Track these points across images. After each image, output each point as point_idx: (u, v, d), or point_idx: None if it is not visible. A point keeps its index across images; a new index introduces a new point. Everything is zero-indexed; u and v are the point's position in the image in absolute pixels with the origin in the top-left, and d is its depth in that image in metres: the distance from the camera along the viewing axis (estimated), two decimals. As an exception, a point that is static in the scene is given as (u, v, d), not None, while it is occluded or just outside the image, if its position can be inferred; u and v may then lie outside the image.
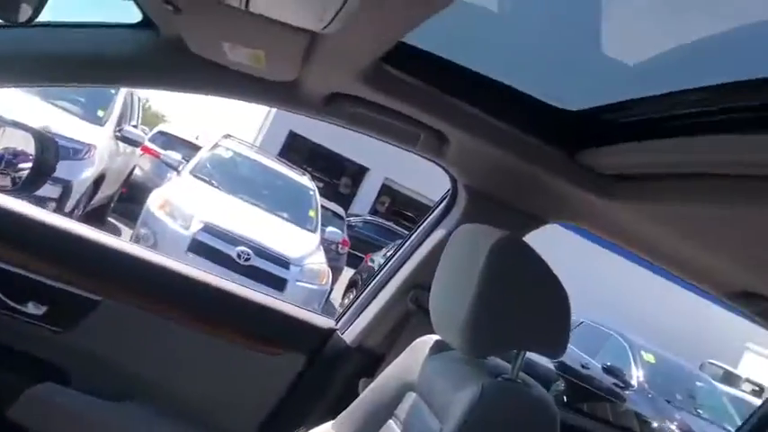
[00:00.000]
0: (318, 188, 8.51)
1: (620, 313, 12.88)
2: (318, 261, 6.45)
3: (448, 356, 1.23)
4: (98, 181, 6.34)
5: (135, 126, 7.97)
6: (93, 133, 6.13)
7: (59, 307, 1.42)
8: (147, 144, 9.23)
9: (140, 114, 8.92)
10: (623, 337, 8.32)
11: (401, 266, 1.58)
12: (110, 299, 1.45)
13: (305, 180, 8.20)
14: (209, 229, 5.88)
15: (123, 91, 7.09)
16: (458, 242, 1.19)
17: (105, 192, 7.00)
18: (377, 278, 1.64)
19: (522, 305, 1.10)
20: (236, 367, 1.52)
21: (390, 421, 1.25)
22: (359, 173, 18.83)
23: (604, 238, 1.47)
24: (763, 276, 1.19)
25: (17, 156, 1.75)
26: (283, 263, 5.98)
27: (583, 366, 7.90)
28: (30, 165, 1.68)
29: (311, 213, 7.49)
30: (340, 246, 8.75)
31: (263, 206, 7.03)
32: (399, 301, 1.54)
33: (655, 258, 1.44)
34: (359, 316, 1.60)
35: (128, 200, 8.36)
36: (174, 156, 7.91)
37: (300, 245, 6.43)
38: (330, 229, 8.10)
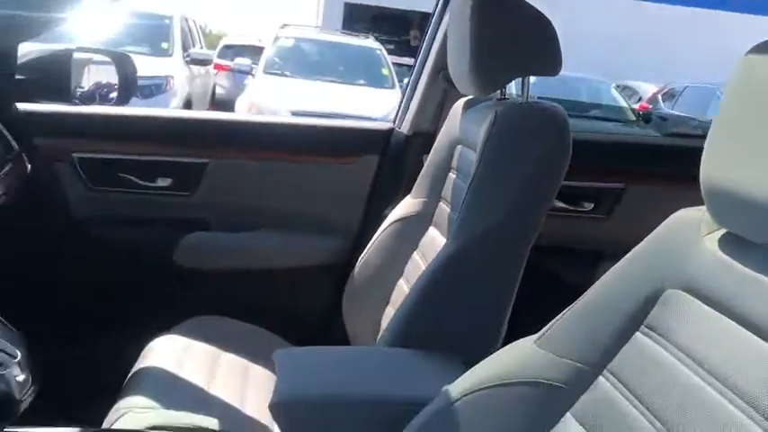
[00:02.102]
0: (390, 48, 8.63)
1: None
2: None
3: (476, 107, 1.49)
4: (187, 106, 6.84)
5: (201, 48, 8.38)
6: (166, 65, 6.58)
7: (181, 174, 1.81)
8: (217, 60, 9.62)
9: (202, 38, 9.30)
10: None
11: (428, 54, 1.83)
12: (214, 159, 1.81)
13: (369, 42, 8.35)
14: (296, 115, 6.27)
15: (177, 20, 7.44)
16: (457, 7, 1.41)
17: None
18: (413, 73, 1.92)
19: (515, 39, 1.33)
20: (325, 182, 1.88)
21: (450, 173, 1.55)
22: (423, 20, 18.52)
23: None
24: None
25: (105, 87, 2.10)
26: (371, 124, 6.31)
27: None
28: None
29: (384, 72, 7.70)
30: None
31: (339, 79, 7.32)
32: (434, 83, 1.80)
33: None
34: (408, 108, 1.89)
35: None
36: (245, 62, 8.25)
37: (382, 103, 6.68)
38: (407, 80, 8.28)
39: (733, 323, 0.68)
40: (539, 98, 1.43)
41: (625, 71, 11.83)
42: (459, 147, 1.51)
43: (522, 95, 1.37)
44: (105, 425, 1.27)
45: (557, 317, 0.90)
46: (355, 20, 17.08)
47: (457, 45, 1.39)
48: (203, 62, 7.72)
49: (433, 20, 1.80)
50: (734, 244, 0.71)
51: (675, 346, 0.73)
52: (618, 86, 10.11)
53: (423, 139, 1.81)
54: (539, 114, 1.32)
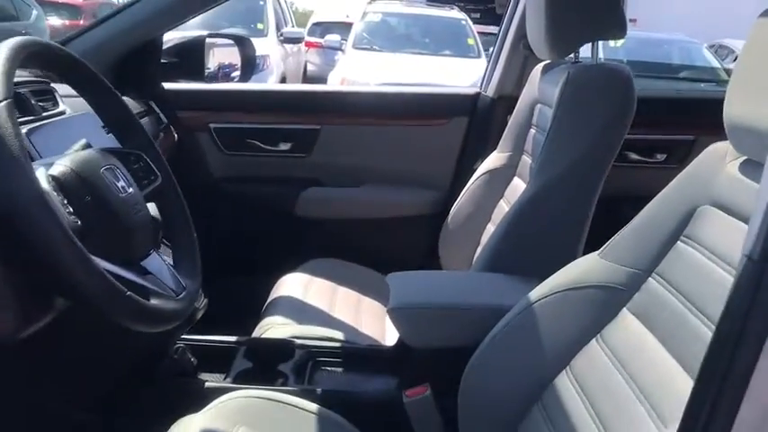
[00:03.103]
0: (476, 18, 8.70)
1: None
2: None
3: (553, 70, 1.70)
4: (283, 83, 7.20)
5: (292, 27, 8.74)
6: (262, 45, 6.92)
7: (298, 139, 2.11)
8: (308, 38, 9.96)
9: (292, 17, 9.66)
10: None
11: (510, 23, 2.04)
12: (325, 125, 2.11)
13: (454, 13, 8.48)
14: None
15: (270, 0, 7.81)
16: None
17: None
18: (497, 42, 2.14)
19: (584, 8, 1.52)
20: (421, 142, 2.13)
21: (531, 129, 1.77)
22: (509, -12, 18.26)
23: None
24: None
25: (227, 67, 2.41)
26: (458, 93, 6.47)
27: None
28: (236, 72, 2.34)
29: (470, 41, 7.82)
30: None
31: (426, 51, 7.51)
32: (516, 50, 2.01)
33: None
34: (493, 74, 2.12)
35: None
36: (335, 38, 8.55)
37: (468, 73, 6.82)
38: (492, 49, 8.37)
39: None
40: (626, 61, 1.61)
41: (727, 29, 11.37)
42: (539, 105, 1.73)
43: (592, 58, 1.58)
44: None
45: (614, 235, 1.13)
46: (440, -9, 17.10)
47: (534, 16, 1.60)
48: (295, 40, 8.06)
49: (517, -9, 2.02)
50: (750, 167, 0.92)
51: (707, 249, 0.95)
52: (713, 46, 9.80)
53: (506, 101, 2.03)
54: (606, 74, 1.52)
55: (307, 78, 9.52)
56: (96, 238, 0.85)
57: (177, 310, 0.97)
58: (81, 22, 8.84)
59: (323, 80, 8.25)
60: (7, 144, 0.76)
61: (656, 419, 0.88)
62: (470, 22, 8.20)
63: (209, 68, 2.13)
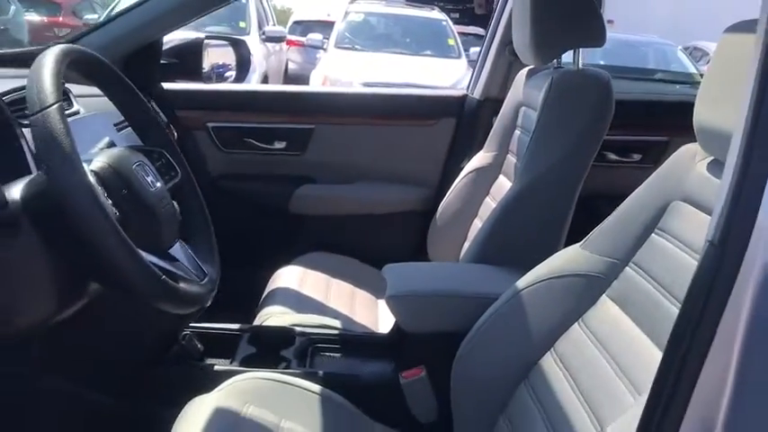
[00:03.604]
0: (455, 18, 8.81)
1: None
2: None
3: (537, 75, 1.81)
4: (264, 82, 7.26)
5: (273, 25, 8.77)
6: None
7: (292, 138, 2.20)
8: (289, 37, 9.99)
9: (273, 15, 9.69)
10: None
11: (496, 31, 2.15)
12: (319, 125, 2.20)
13: (435, 14, 8.60)
14: (368, 87, 6.59)
15: (252, -1, 7.84)
16: None
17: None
18: (483, 47, 2.25)
19: (566, 18, 1.63)
20: (410, 142, 2.23)
21: (516, 130, 1.88)
22: (488, -12, 18.41)
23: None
24: None
25: (220, 67, 2.49)
26: (440, 93, 6.59)
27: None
28: (231, 72, 2.41)
29: (450, 42, 7.94)
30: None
31: (408, 51, 7.62)
32: (502, 55, 2.11)
33: None
34: (479, 77, 2.22)
35: (293, 92, 9.26)
36: (317, 37, 8.61)
37: (450, 73, 6.93)
38: (473, 49, 8.48)
39: None
40: (601, 66, 1.73)
41: (702, 31, 11.59)
42: (523, 108, 1.83)
43: (574, 64, 1.69)
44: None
45: (594, 228, 1.23)
46: (419, -10, 17.19)
47: (520, 25, 1.71)
48: (277, 39, 8.07)
49: (499, 3, 2.12)
50: (717, 166, 1.02)
51: (679, 240, 1.05)
52: (687, 48, 10.00)
53: (492, 103, 2.14)
54: (587, 79, 1.63)
55: (288, 77, 9.56)
56: (132, 227, 0.93)
57: (202, 293, 1.06)
58: (60, 18, 8.81)
59: (304, 78, 8.28)
60: (61, 143, 0.85)
61: (633, 392, 0.98)
62: (451, 23, 8.32)
63: (203, 68, 2.22)
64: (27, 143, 1.12)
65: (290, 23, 11.70)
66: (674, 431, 0.68)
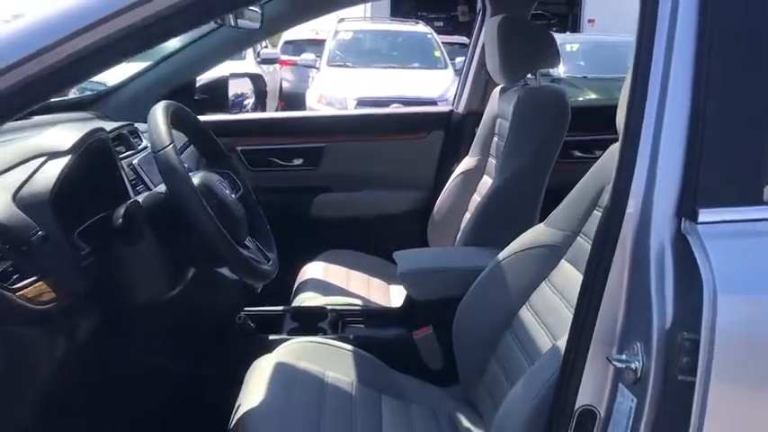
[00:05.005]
0: (439, 27, 9.16)
1: None
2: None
3: (508, 92, 2.21)
4: (262, 102, 7.64)
5: (266, 47, 9.13)
6: (242, 67, 7.35)
7: (308, 155, 2.61)
8: (282, 57, 10.34)
9: (264, 36, 10.00)
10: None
11: (473, 56, 2.56)
12: (329, 143, 2.61)
13: (420, 27, 9.02)
14: (362, 102, 6.85)
15: (245, 23, 8.19)
16: (489, 26, 2.13)
17: (271, 109, 8.30)
18: (464, 69, 2.67)
19: (526, 47, 2.04)
20: (406, 153, 2.63)
21: (494, 137, 2.28)
22: (470, -4, 18.84)
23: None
24: None
25: (239, 96, 2.88)
26: (430, 103, 6.95)
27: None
28: (248, 100, 2.80)
29: (436, 53, 8.33)
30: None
31: (396, 65, 8.02)
32: (479, 76, 2.53)
33: None
34: (462, 95, 2.63)
35: (288, 109, 9.66)
36: (309, 57, 8.98)
37: (438, 84, 7.28)
38: (459, 59, 8.87)
39: None
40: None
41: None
42: (499, 119, 2.24)
43: (536, 81, 2.10)
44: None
45: (554, 209, 1.63)
46: (402, 3, 17.55)
47: (491, 53, 2.12)
48: (272, 61, 8.42)
49: (475, 33, 2.54)
50: None
51: None
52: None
53: (474, 116, 2.55)
54: (546, 95, 2.05)
55: (282, 95, 9.91)
56: (222, 225, 1.33)
57: (270, 271, 1.46)
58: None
59: (298, 96, 8.58)
60: (179, 171, 1.25)
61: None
62: (436, 36, 8.72)
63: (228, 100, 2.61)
64: (125, 172, 1.52)
65: (281, 44, 11.99)
66: (591, 328, 1.07)
